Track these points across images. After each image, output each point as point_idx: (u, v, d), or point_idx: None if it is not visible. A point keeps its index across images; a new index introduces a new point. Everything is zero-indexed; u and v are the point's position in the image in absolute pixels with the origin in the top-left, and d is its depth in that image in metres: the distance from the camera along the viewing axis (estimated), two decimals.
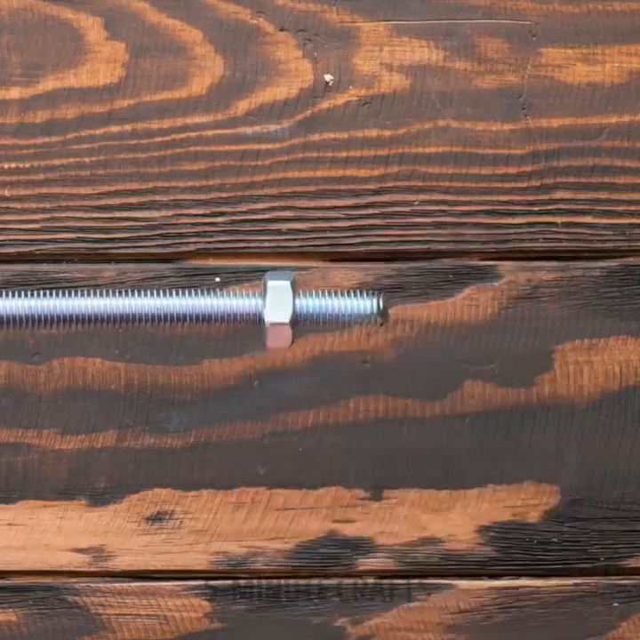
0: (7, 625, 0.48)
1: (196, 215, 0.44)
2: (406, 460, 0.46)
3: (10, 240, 0.45)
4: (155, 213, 0.44)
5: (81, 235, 0.44)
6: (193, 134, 0.43)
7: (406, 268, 0.44)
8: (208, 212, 0.45)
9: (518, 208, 0.43)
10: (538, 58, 0.42)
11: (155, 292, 0.42)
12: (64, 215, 0.44)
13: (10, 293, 0.42)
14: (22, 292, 0.41)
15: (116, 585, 0.48)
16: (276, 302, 0.40)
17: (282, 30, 0.42)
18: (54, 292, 0.41)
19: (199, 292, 0.41)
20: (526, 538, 0.48)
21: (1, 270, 0.45)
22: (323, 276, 0.44)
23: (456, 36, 0.42)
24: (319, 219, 0.44)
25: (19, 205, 0.44)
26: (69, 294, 0.42)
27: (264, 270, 0.41)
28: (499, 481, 0.46)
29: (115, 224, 0.45)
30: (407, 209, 0.43)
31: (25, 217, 0.44)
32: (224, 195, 0.44)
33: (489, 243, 0.43)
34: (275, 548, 0.46)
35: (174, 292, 0.41)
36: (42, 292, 0.41)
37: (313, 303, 0.40)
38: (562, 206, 0.43)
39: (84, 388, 0.45)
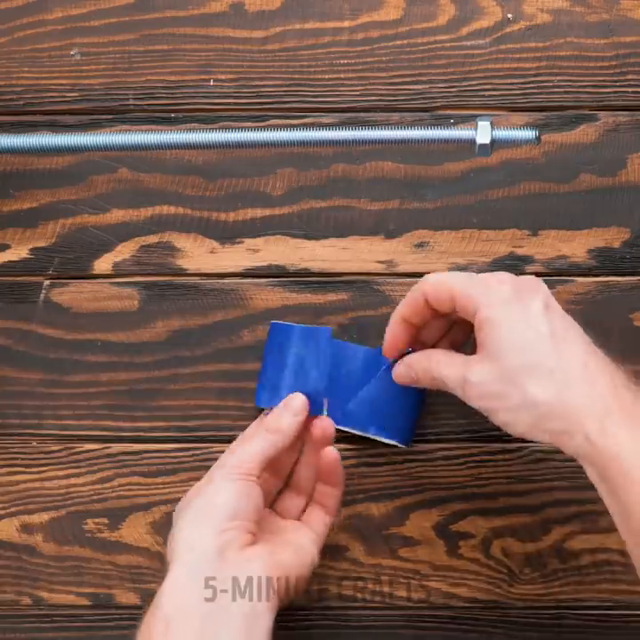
0: None
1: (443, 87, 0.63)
2: None
3: None
4: (419, 87, 0.63)
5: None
6: (443, 43, 0.63)
7: (552, 115, 0.63)
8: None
9: (608, 82, 0.63)
10: (619, 4, 0.62)
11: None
12: None
13: None
14: None
15: None
16: (483, 132, 0.58)
17: None
18: None
19: (442, 125, 0.61)
20: None
21: None
22: (506, 119, 0.62)
23: None
24: (505, 86, 0.63)
25: None
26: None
27: (477, 116, 0.60)
28: None
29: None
30: (551, 83, 0.62)
31: None
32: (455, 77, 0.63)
33: (593, 101, 0.63)
34: None
35: (432, 126, 0.59)
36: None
37: (502, 133, 0.58)
38: (631, 82, 0.63)
39: None
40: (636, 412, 0.49)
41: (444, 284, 0.54)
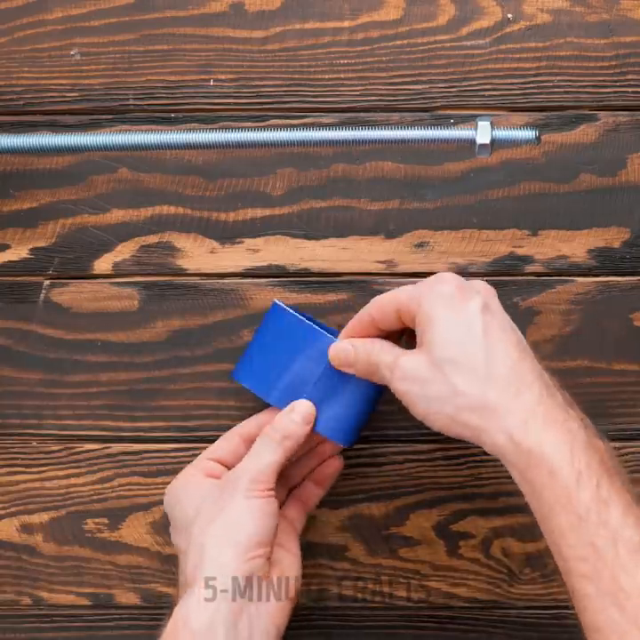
0: None
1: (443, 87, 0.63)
2: None
3: None
4: (419, 87, 0.63)
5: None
6: (443, 43, 0.63)
7: (552, 115, 0.63)
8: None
9: (608, 82, 0.63)
10: (619, 4, 0.62)
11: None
12: None
13: None
14: None
15: None
16: (483, 132, 0.58)
17: None
18: None
19: (442, 125, 0.61)
20: None
21: None
22: (506, 119, 0.63)
23: None
24: (505, 86, 0.63)
25: None
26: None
27: (477, 116, 0.60)
28: None
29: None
30: (551, 83, 0.62)
31: None
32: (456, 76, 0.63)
33: (593, 101, 0.63)
34: None
35: (433, 126, 0.59)
36: None
37: (502, 133, 0.58)
38: (631, 82, 0.63)
39: None
40: (560, 417, 0.49)
41: (389, 297, 0.55)
